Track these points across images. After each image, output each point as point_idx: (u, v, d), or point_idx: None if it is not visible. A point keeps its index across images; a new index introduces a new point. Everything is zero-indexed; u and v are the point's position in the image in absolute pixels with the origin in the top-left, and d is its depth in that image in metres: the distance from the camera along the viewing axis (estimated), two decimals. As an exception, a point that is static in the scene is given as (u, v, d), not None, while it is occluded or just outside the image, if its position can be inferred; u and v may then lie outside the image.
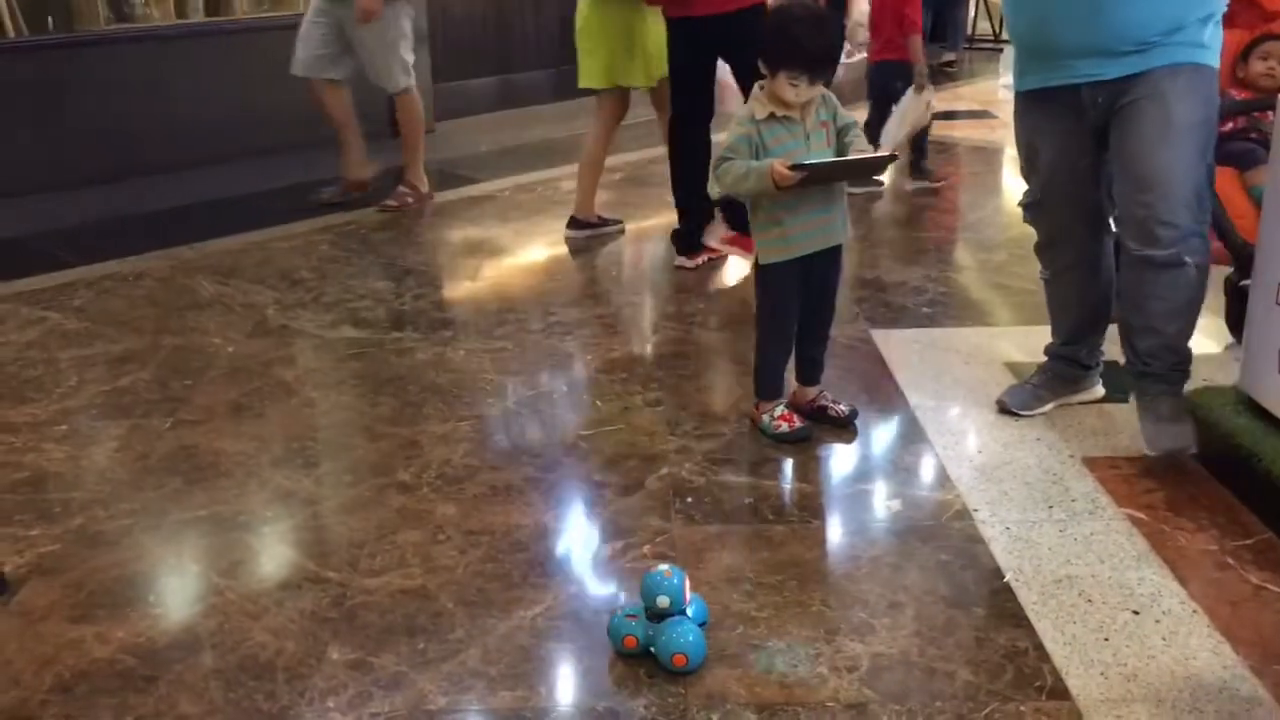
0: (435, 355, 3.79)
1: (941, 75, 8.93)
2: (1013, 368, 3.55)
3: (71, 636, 2.35)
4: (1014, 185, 6.34)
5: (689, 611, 2.27)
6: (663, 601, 2.22)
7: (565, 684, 2.20)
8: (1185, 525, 2.66)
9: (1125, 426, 3.08)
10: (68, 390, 3.52)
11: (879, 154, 3.15)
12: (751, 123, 2.97)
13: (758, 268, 3.14)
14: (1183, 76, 2.73)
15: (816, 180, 2.91)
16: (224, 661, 2.25)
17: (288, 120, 6.17)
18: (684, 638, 2.18)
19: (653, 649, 2.20)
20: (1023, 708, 2.07)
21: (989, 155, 6.91)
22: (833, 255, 3.11)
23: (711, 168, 3.08)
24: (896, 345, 3.77)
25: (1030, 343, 3.69)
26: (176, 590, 2.52)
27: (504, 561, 2.60)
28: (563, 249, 5.01)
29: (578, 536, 2.72)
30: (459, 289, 4.54)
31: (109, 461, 3.07)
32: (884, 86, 5.61)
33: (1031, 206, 3.18)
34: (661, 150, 5.06)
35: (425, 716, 2.10)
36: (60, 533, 2.73)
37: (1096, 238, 3.09)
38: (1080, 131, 2.91)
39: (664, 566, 2.30)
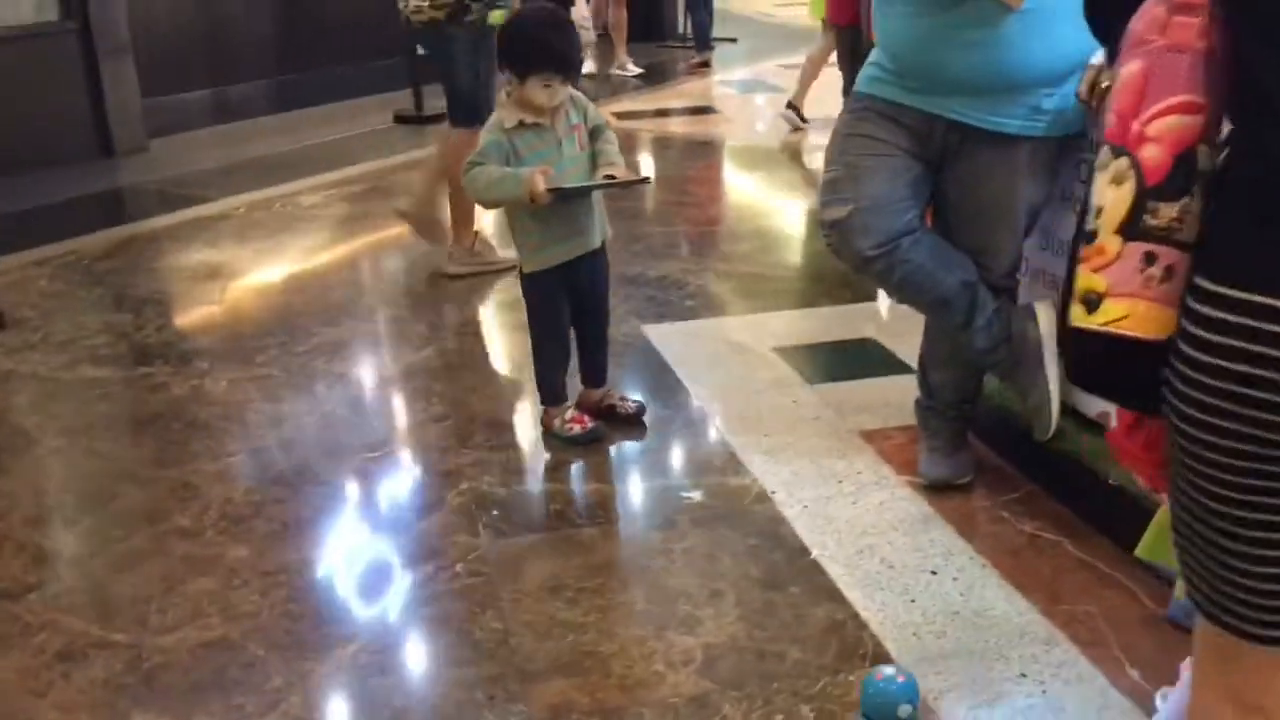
0: (192, 389, 3.55)
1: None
2: (781, 352, 3.70)
3: None
4: (737, 180, 6.64)
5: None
6: (904, 712, 1.89)
7: (400, 717, 2.12)
8: (959, 486, 2.85)
9: (892, 399, 3.27)
10: None
11: (632, 178, 3.17)
12: (501, 131, 2.96)
13: (522, 276, 3.13)
14: (1041, 154, 2.56)
15: (572, 196, 2.93)
16: (11, 749, 2.04)
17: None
18: None
19: None
20: (851, 677, 2.16)
21: (713, 149, 7.18)
22: (595, 258, 3.12)
23: (463, 173, 3.02)
24: (668, 339, 3.85)
25: (792, 327, 3.87)
26: (-62, 678, 2.25)
27: (310, 599, 2.48)
28: (312, 267, 4.81)
29: (385, 563, 2.62)
30: (206, 317, 4.27)
31: None
32: None
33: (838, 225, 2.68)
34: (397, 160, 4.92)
35: (256, 775, 1.97)
36: None
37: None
38: (915, 156, 2.62)
39: (887, 669, 1.97)
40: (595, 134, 3.01)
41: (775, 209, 5.72)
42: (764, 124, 7.78)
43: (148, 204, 5.85)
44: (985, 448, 3.00)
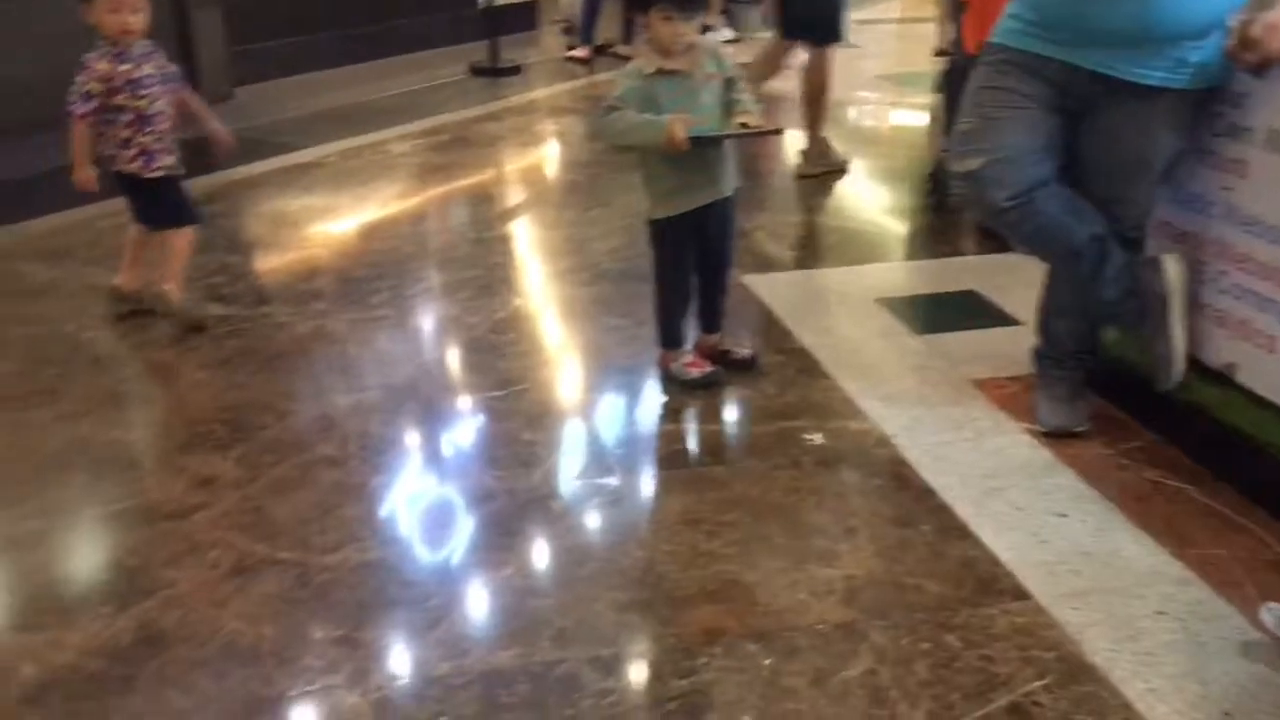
0: (314, 327, 3.67)
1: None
2: (884, 303, 3.76)
3: (21, 647, 2.19)
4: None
5: None
6: None
7: (562, 636, 2.22)
8: (1078, 434, 2.91)
9: (1001, 349, 3.32)
10: (-85, 390, 3.22)
11: (767, 127, 3.19)
12: (640, 78, 3.02)
13: (650, 223, 3.20)
14: (1180, 108, 2.58)
15: (707, 144, 2.99)
16: (202, 653, 2.16)
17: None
18: None
19: None
20: (992, 610, 2.25)
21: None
22: (723, 206, 3.19)
23: (598, 116, 3.09)
24: (772, 288, 3.92)
25: (892, 279, 3.93)
26: (122, 587, 2.38)
27: (454, 526, 2.59)
28: (411, 212, 4.91)
29: (523, 494, 2.72)
30: (315, 259, 4.38)
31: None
32: None
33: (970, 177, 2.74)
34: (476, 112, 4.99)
35: (434, 686, 2.08)
36: (-33, 541, 2.53)
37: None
38: (1053, 108, 2.66)
39: None
40: (730, 84, 3.06)
41: (870, 162, 5.73)
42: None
43: (243, 150, 5.93)
44: (1101, 399, 3.06)
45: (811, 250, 4.34)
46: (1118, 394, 3.04)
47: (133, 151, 3.52)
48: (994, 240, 3.98)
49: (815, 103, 5.27)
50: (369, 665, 2.13)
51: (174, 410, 3.15)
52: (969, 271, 4.03)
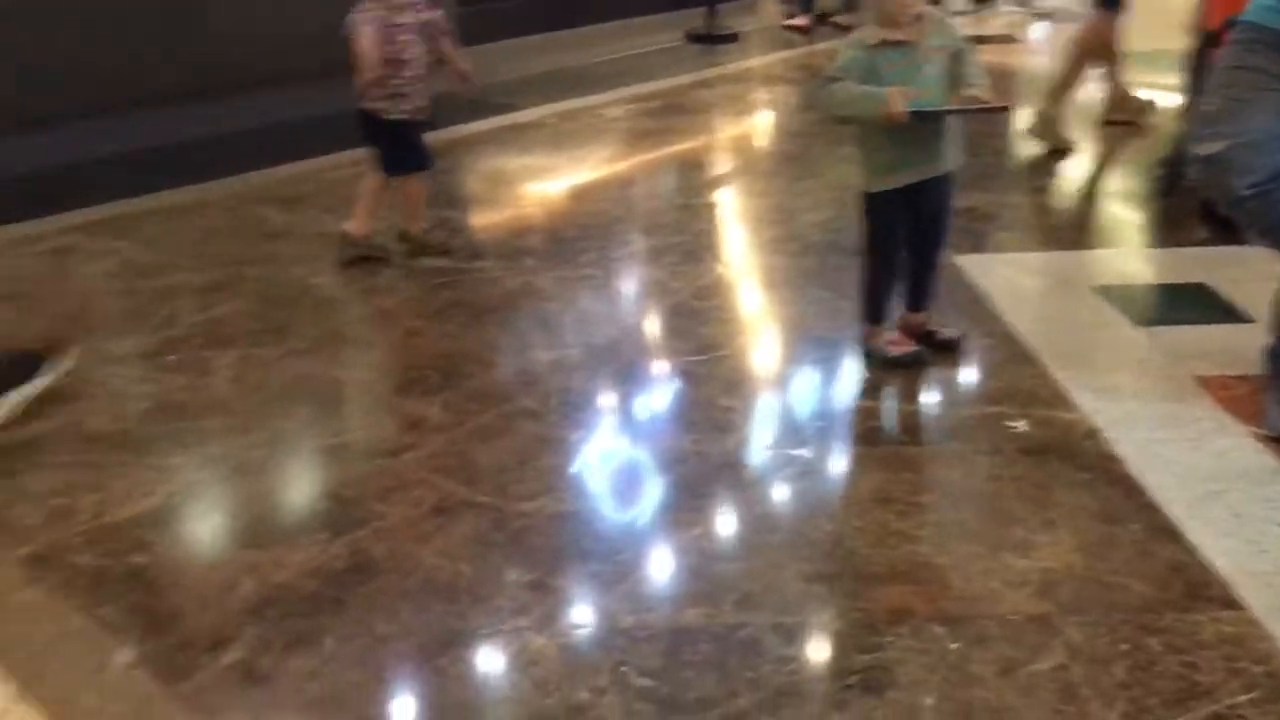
0: (523, 283, 3.79)
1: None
2: (1103, 291, 3.59)
3: (244, 561, 2.37)
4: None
5: None
6: None
7: (747, 600, 2.24)
8: (1310, 442, 2.73)
9: (1231, 347, 3.13)
10: (163, 321, 3.50)
11: (993, 103, 3.07)
12: (863, 48, 2.96)
13: (864, 195, 3.15)
14: None
15: (929, 118, 2.92)
16: (406, 584, 2.28)
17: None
18: None
19: None
20: (1200, 617, 2.14)
21: (1014, 81, 6.92)
22: (942, 182, 3.11)
23: (817, 87, 3.04)
24: (983, 270, 3.80)
25: (1115, 266, 3.74)
26: (337, 516, 2.54)
27: (649, 486, 2.64)
28: (623, 176, 4.99)
29: (716, 458, 2.75)
30: (528, 217, 4.51)
31: (230, 391, 3.07)
32: None
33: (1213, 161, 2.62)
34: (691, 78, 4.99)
35: (618, 637, 2.14)
36: (202, 462, 2.74)
37: None
38: None
39: None
40: (958, 58, 2.97)
41: (1097, 144, 5.47)
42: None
43: (466, 109, 6.16)
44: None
45: (1031, 233, 4.18)
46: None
47: (385, 92, 3.74)
48: (1229, 231, 3.74)
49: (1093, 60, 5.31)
50: (557, 611, 2.20)
51: (390, 354, 3.32)
52: (1199, 263, 3.80)
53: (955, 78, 2.97)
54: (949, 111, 2.94)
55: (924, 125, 2.93)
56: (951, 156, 3.07)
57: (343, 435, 2.86)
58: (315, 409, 2.98)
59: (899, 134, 2.92)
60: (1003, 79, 6.84)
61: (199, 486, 2.66)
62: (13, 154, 4.77)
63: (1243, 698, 1.94)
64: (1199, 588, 2.23)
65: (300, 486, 2.69)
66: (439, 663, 2.07)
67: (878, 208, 3.12)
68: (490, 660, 2.07)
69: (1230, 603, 2.18)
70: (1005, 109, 3.07)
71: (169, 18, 5.78)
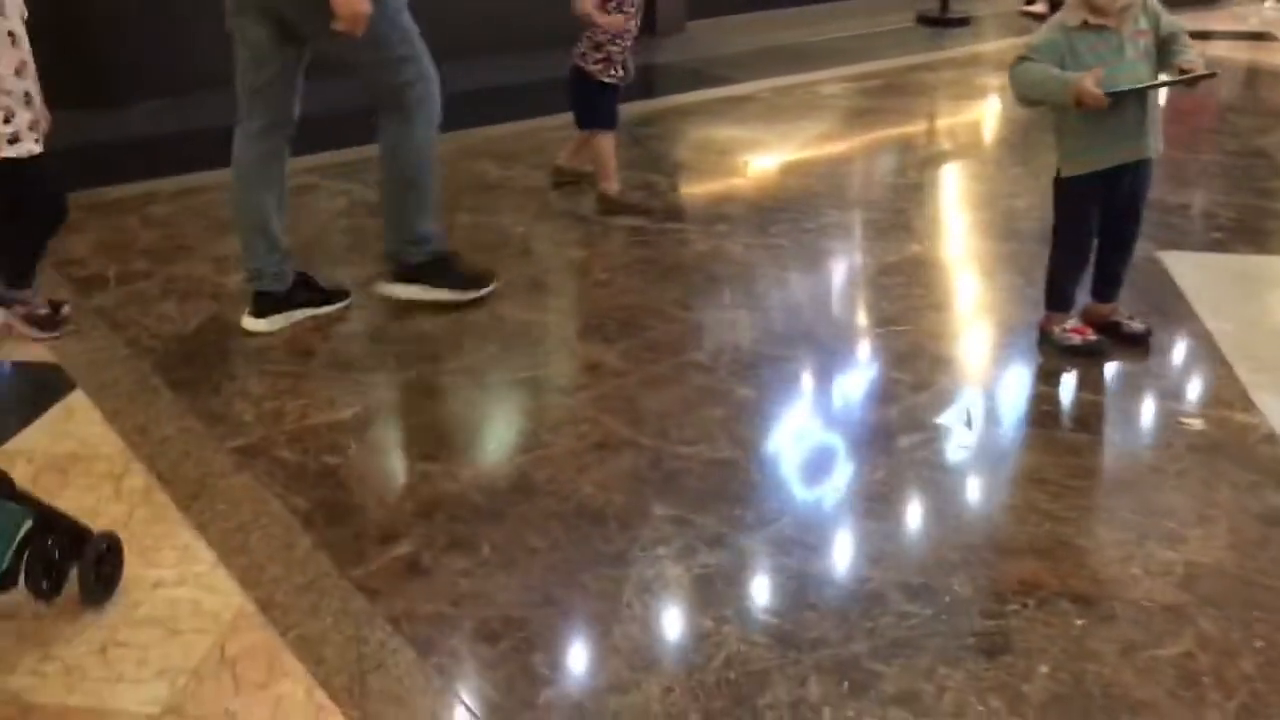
0: (713, 247, 3.92)
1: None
2: (1315, 299, 3.43)
3: (421, 471, 2.61)
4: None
5: None
6: None
7: (880, 557, 2.31)
8: None
9: None
10: (379, 255, 3.79)
11: (1194, 74, 2.98)
12: (1062, 30, 2.93)
13: (1058, 179, 3.11)
14: None
15: (1126, 98, 2.86)
16: (561, 507, 2.47)
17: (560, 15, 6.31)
18: None
19: None
20: (1349, 627, 2.08)
21: (1261, 78, 6.53)
22: (1141, 169, 3.04)
23: (1010, 66, 3.02)
24: (1187, 268, 3.67)
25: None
26: (509, 441, 2.76)
27: (805, 445, 2.73)
28: (827, 153, 5.03)
29: (877, 426, 2.81)
30: (728, 186, 4.63)
31: (429, 324, 3.33)
32: None
33: None
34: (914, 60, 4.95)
35: (749, 573, 2.25)
36: (398, 382, 3.01)
37: None
38: None
39: None
40: (1169, 40, 2.90)
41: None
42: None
43: (684, 80, 6.32)
44: None
45: (1242, 232, 3.99)
46: None
47: (599, 55, 4.01)
48: None
49: None
50: (697, 545, 2.33)
51: (577, 302, 3.52)
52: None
53: (1163, 56, 2.90)
54: (1147, 88, 2.88)
55: (1123, 108, 2.88)
56: (1152, 143, 3.00)
57: (525, 371, 3.07)
58: (504, 346, 3.20)
59: (1096, 117, 2.88)
60: (1253, 77, 6.49)
61: (391, 402, 2.93)
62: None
63: (1377, 708, 1.89)
64: (1355, 599, 2.16)
65: (480, 411, 2.92)
66: (581, 578, 2.24)
67: (1071, 193, 3.09)
68: (626, 582, 2.23)
69: (1386, 618, 2.10)
70: (1212, 75, 2.93)
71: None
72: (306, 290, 3.35)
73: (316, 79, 3.25)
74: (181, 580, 2.23)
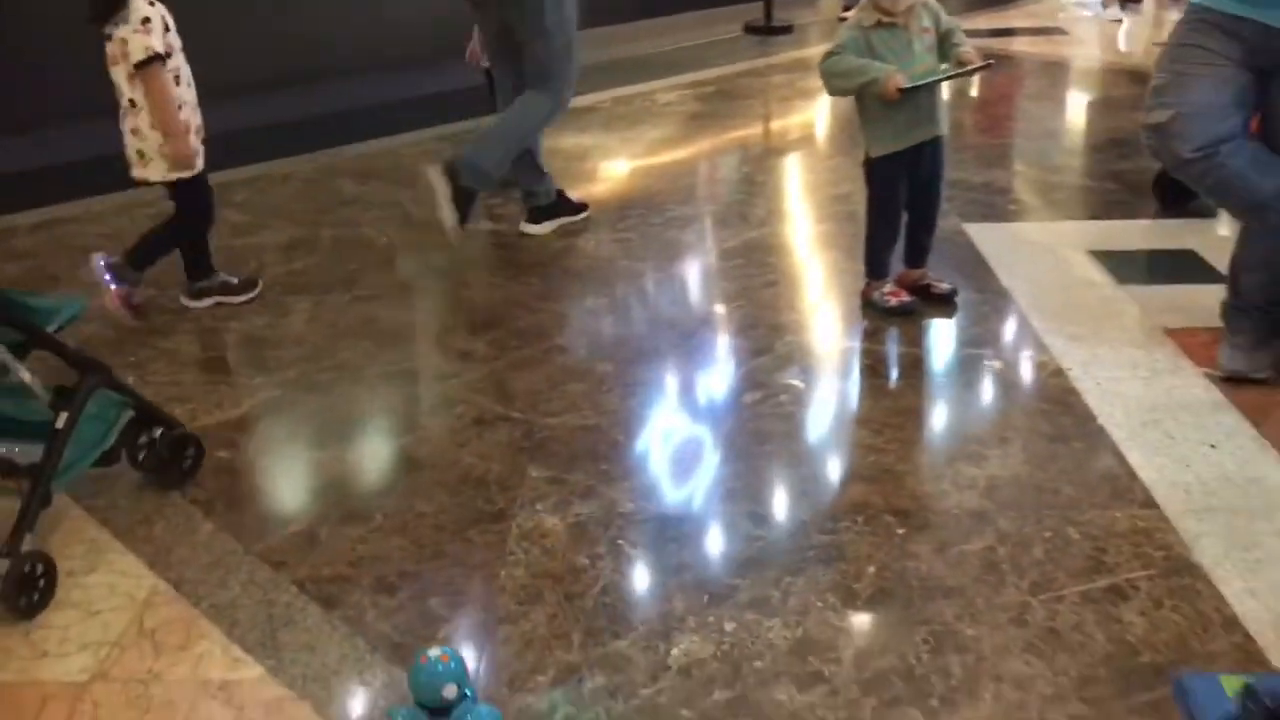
0: (567, 244, 4.21)
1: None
2: (1098, 255, 3.90)
3: (311, 458, 2.83)
4: (1077, 97, 6.64)
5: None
6: (450, 691, 1.81)
7: (730, 493, 2.62)
8: (1256, 380, 3.02)
9: (1204, 303, 3.42)
10: (250, 271, 3.97)
11: (974, 65, 3.41)
12: (860, 29, 3.32)
13: (867, 161, 3.50)
14: None
15: (920, 91, 3.28)
16: (444, 476, 2.71)
17: (416, 34, 6.50)
18: None
19: None
20: (1118, 514, 2.48)
21: (1055, 69, 7.17)
22: (935, 146, 3.46)
23: (819, 62, 3.40)
24: (988, 237, 4.13)
25: (1113, 235, 4.04)
26: (391, 426, 2.99)
27: (661, 405, 3.04)
28: (667, 155, 5.38)
29: (722, 387, 3.14)
30: (579, 189, 4.91)
31: (305, 328, 3.53)
32: None
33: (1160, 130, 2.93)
34: (743, 66, 5.34)
35: (618, 518, 2.54)
36: (279, 382, 3.21)
37: None
38: (1245, 66, 2.82)
39: (435, 651, 1.83)
40: (946, 36, 3.33)
41: (1110, 125, 5.74)
42: (1109, 47, 7.67)
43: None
44: (1290, 352, 3.14)
45: (1034, 204, 4.48)
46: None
47: None
48: (1175, 205, 4.07)
49: None
50: (570, 498, 2.61)
51: (445, 301, 3.77)
52: (1196, 233, 4.08)
53: (943, 50, 3.33)
54: (935, 81, 3.29)
55: (916, 97, 3.29)
56: (942, 124, 3.42)
57: (399, 364, 3.30)
58: (376, 343, 3.42)
59: (895, 105, 3.28)
60: (1046, 68, 7.12)
61: (276, 400, 3.12)
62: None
63: (1140, 573, 2.28)
64: (1123, 492, 2.57)
65: (360, 402, 3.13)
66: (468, 533, 2.50)
67: (880, 172, 3.48)
68: (509, 534, 2.49)
69: (1148, 503, 2.52)
70: (988, 66, 3.38)
71: (263, 10, 6.32)
72: (564, 204, 4.42)
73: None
74: (92, 568, 2.41)
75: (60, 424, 2.36)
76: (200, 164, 3.58)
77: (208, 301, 3.71)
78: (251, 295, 3.75)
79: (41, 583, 2.29)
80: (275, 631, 2.20)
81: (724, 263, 4.02)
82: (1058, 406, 2.96)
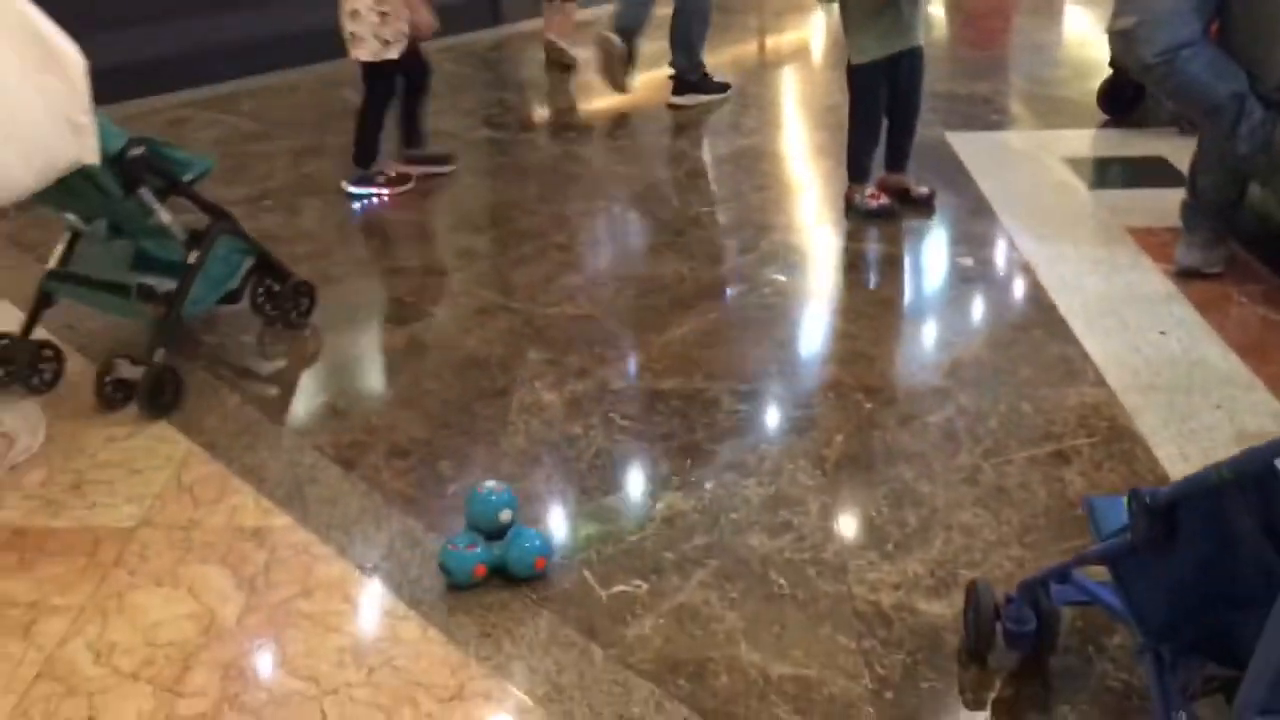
0: (564, 151, 4.40)
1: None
2: (1071, 162, 4.08)
3: (329, 342, 3.05)
4: (1072, 11, 6.75)
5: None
6: (505, 516, 2.15)
7: (712, 373, 2.84)
8: (1209, 275, 3.23)
9: (1168, 207, 3.61)
10: (263, 175, 4.17)
11: None
12: None
13: (850, 69, 3.67)
14: None
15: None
16: (450, 358, 2.94)
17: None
18: (534, 541, 2.15)
19: (507, 565, 2.12)
20: (1069, 391, 2.70)
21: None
22: (915, 55, 3.63)
23: None
24: (968, 144, 4.31)
25: (1087, 142, 4.22)
26: (400, 314, 3.20)
27: (653, 297, 3.25)
28: (659, 72, 5.52)
29: (709, 283, 3.35)
30: (574, 101, 5.10)
31: (317, 227, 3.73)
32: None
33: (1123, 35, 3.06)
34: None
35: (609, 394, 2.76)
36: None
37: None
38: None
39: (491, 482, 2.22)
40: None
41: (1101, 38, 5.86)
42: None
43: (523, 7, 6.71)
44: (1244, 251, 3.34)
45: (1016, 113, 4.66)
46: (1260, 245, 3.32)
47: None
48: (1124, 113, 4.23)
49: None
50: (566, 377, 2.83)
51: (448, 203, 3.96)
52: (1168, 141, 4.25)
53: None
54: None
55: (900, 7, 3.45)
56: (920, 34, 3.59)
57: (407, 260, 3.51)
58: (386, 241, 3.63)
59: (879, 15, 3.45)
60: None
61: (292, 292, 3.33)
62: (134, 42, 5.48)
63: (1084, 440, 2.51)
64: (1076, 373, 2.79)
65: (371, 293, 3.35)
66: (473, 407, 2.72)
67: (862, 79, 3.66)
68: (510, 407, 2.72)
69: (1098, 381, 2.74)
70: None
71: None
72: (706, 82, 4.92)
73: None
74: (132, 434, 2.64)
75: (191, 260, 2.76)
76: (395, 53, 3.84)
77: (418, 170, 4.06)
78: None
79: (172, 388, 2.71)
80: (301, 487, 2.43)
81: (716, 169, 4.20)
82: (1022, 299, 3.17)
